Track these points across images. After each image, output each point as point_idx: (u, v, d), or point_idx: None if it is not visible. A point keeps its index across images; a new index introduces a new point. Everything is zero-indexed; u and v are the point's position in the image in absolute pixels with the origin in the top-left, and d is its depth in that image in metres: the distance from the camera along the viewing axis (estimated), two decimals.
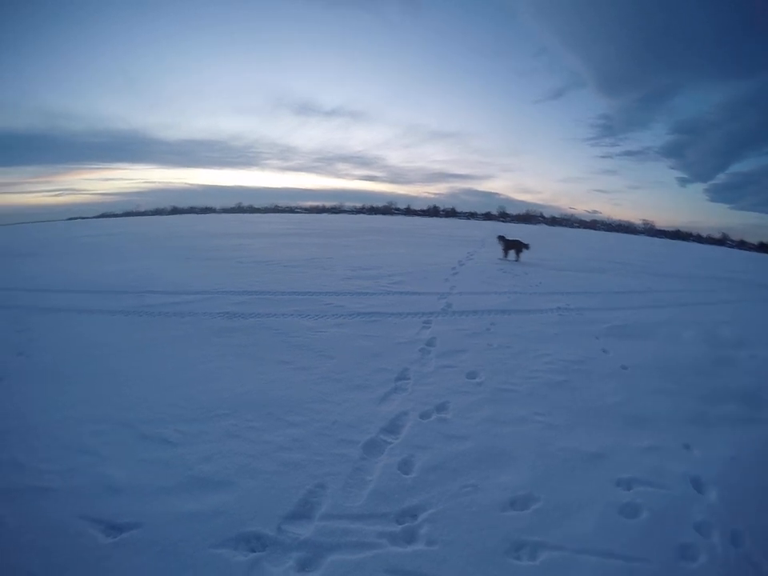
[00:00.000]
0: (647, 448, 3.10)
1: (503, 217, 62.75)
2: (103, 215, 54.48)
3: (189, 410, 3.19)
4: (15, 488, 2.42)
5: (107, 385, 3.62)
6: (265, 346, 4.53)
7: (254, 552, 2.05)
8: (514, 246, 12.54)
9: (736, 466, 2.98)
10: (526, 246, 12.46)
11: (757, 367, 5.00)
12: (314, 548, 2.07)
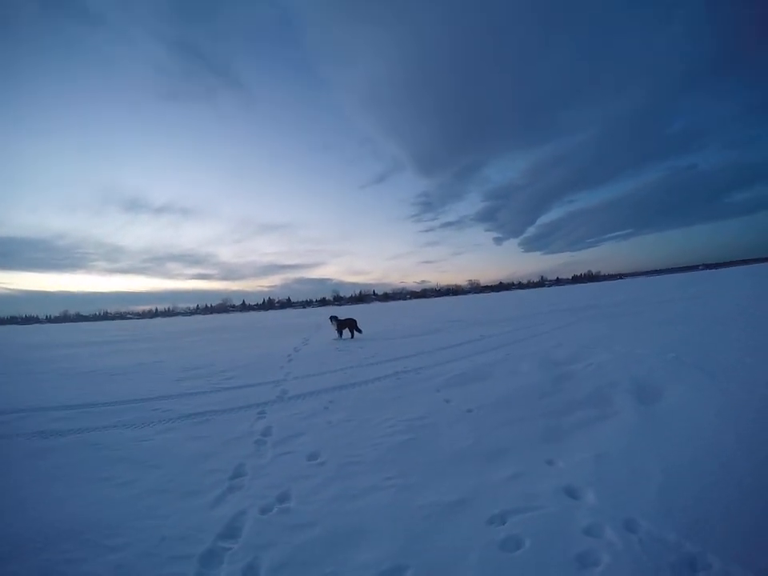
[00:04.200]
0: (511, 477, 3.08)
1: (338, 300, 65.47)
2: None
3: None
4: None
5: None
6: (83, 465, 4.06)
7: None
8: (347, 325, 13.29)
9: (602, 461, 3.14)
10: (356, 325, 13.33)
11: (593, 373, 5.69)
12: None
